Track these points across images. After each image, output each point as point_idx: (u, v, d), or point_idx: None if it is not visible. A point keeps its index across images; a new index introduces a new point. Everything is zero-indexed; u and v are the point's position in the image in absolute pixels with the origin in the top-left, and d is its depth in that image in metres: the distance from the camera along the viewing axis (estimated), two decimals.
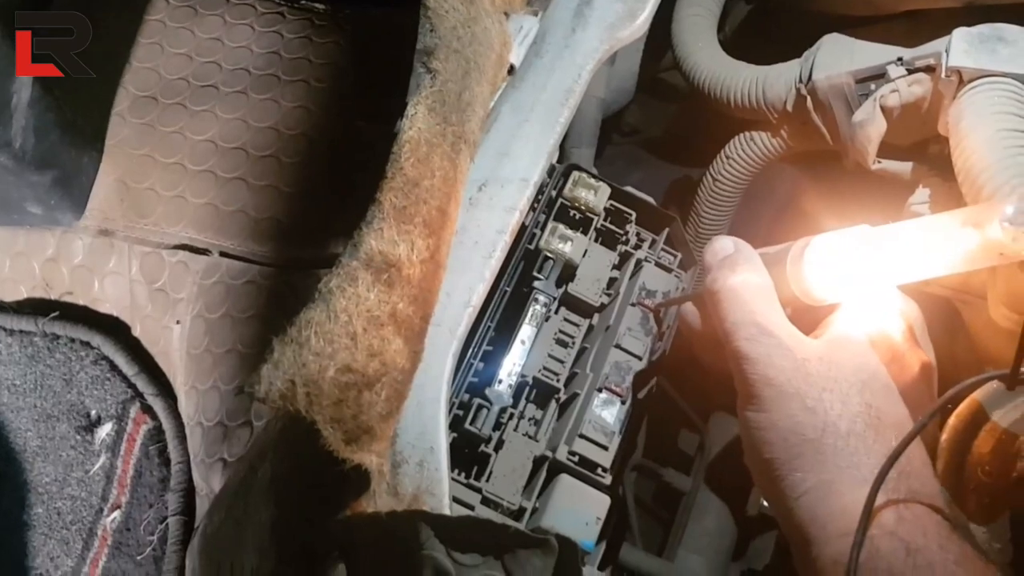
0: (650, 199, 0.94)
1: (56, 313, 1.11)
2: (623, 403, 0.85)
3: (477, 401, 0.82)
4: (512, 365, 0.85)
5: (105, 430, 1.08)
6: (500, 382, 0.84)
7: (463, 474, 0.80)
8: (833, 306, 0.67)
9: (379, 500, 0.67)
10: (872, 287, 0.62)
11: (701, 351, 0.78)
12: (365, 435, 0.61)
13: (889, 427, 0.58)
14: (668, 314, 0.89)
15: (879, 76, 0.93)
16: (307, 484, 0.69)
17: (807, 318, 0.66)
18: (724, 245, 0.69)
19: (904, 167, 0.97)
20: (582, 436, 0.83)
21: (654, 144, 1.79)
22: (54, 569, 1.04)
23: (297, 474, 0.70)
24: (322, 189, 1.05)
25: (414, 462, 0.69)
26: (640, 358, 0.87)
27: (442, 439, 0.71)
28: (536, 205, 0.90)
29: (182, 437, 1.03)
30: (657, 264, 0.93)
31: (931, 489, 0.57)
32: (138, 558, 1.03)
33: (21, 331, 1.12)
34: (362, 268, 0.65)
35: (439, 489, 0.68)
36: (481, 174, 0.81)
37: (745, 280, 0.65)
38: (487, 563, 0.63)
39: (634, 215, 0.93)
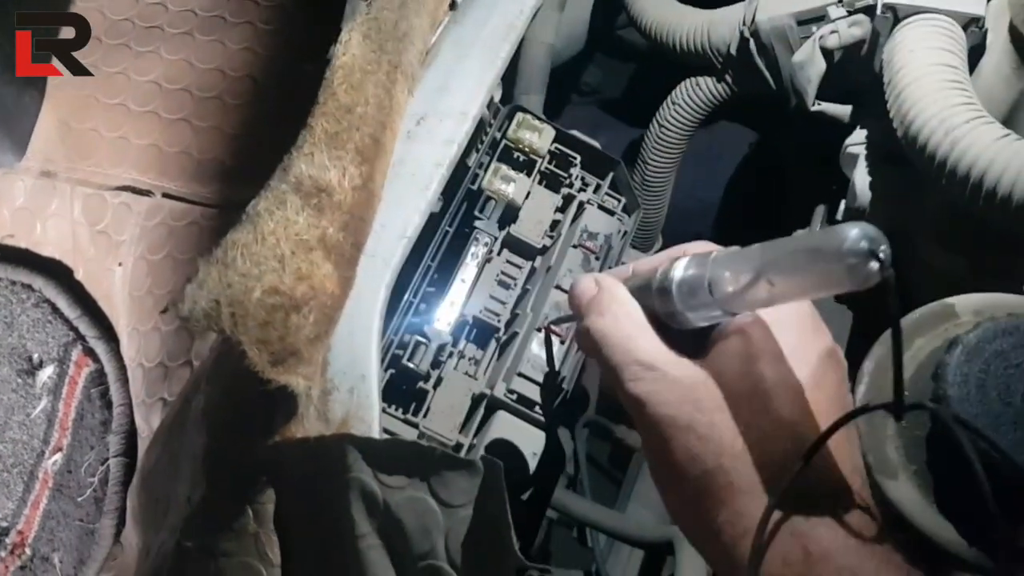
0: (595, 143, 0.94)
1: None
2: (562, 343, 0.85)
3: (415, 338, 0.82)
4: (452, 304, 0.85)
5: (47, 373, 1.07)
6: (439, 320, 0.84)
7: (400, 410, 0.80)
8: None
9: (308, 425, 0.67)
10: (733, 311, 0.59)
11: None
12: (292, 357, 0.61)
13: (780, 432, 0.56)
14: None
15: (820, 18, 0.94)
16: (237, 410, 0.69)
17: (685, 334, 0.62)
18: (586, 286, 0.65)
19: (843, 109, 0.98)
20: (520, 375, 0.83)
21: (614, 105, 1.79)
22: None
23: (227, 400, 0.70)
24: (267, 131, 1.03)
25: (345, 389, 0.69)
26: None
27: (374, 367, 0.71)
28: (479, 146, 0.90)
29: (124, 379, 1.02)
30: (600, 207, 0.93)
31: (847, 473, 0.55)
32: (79, 500, 1.02)
33: None
34: (291, 192, 0.64)
35: (369, 415, 0.68)
36: (420, 108, 0.81)
37: (614, 319, 0.62)
38: (413, 484, 0.63)
39: (579, 159, 0.93)
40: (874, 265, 0.45)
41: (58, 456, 1.05)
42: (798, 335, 0.59)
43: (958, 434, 0.50)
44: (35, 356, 1.08)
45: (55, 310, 1.08)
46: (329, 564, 0.66)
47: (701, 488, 0.56)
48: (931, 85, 0.76)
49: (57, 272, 1.08)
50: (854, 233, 0.46)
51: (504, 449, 0.79)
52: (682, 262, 0.59)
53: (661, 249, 1.41)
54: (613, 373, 0.60)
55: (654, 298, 0.60)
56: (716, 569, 0.59)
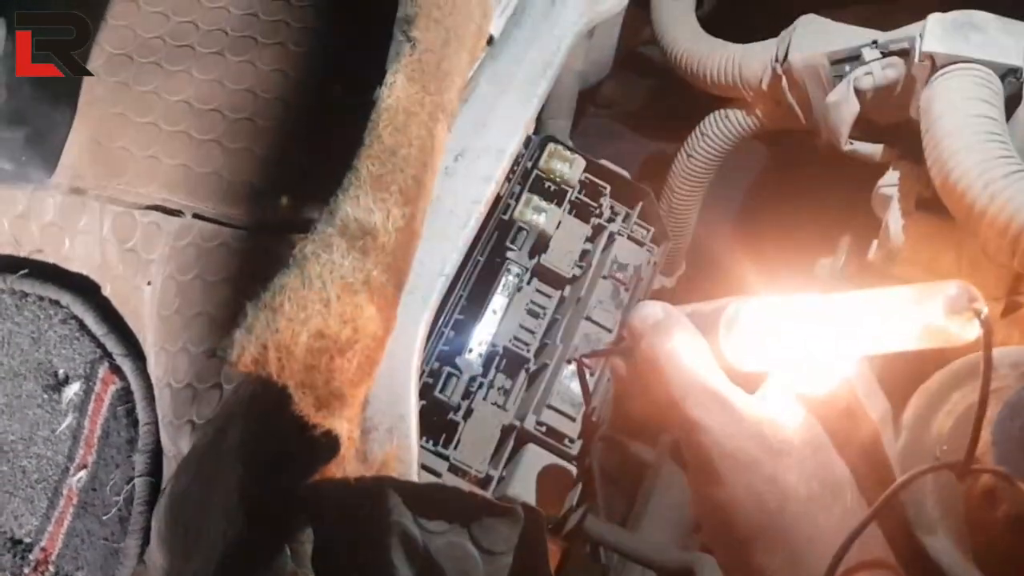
0: (625, 173, 0.95)
1: (25, 271, 1.10)
2: (592, 375, 0.86)
3: (447, 369, 0.82)
4: (483, 334, 0.86)
5: (73, 389, 1.07)
6: (470, 351, 0.85)
7: (431, 441, 0.81)
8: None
9: (348, 466, 0.67)
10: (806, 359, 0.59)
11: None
12: (336, 401, 0.62)
13: (844, 484, 0.57)
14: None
15: (854, 58, 0.94)
16: (276, 449, 0.69)
17: (743, 377, 0.62)
18: (653, 311, 0.65)
19: (875, 149, 0.98)
20: (550, 407, 0.83)
21: (629, 118, 1.79)
22: (18, 528, 1.04)
23: (266, 438, 0.70)
24: (297, 154, 1.04)
25: (384, 429, 0.70)
26: (610, 331, 0.88)
27: (412, 407, 0.71)
28: (511, 176, 0.90)
29: (151, 398, 1.03)
30: (630, 238, 0.93)
31: (887, 556, 0.56)
32: (104, 518, 1.02)
33: None
34: (337, 235, 0.65)
35: (408, 456, 0.69)
36: (458, 144, 0.81)
37: (682, 343, 0.61)
38: (453, 530, 0.64)
39: (608, 188, 0.94)
40: (974, 322, 0.46)
41: (83, 473, 1.05)
42: (864, 392, 0.60)
43: None
44: (61, 372, 1.09)
45: (82, 326, 1.08)
46: None
47: (757, 528, 0.56)
48: (970, 136, 0.76)
49: (85, 288, 1.08)
50: (955, 290, 0.47)
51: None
52: (752, 303, 0.59)
53: (684, 274, 1.42)
54: (676, 398, 0.60)
55: (718, 337, 0.60)
56: None
